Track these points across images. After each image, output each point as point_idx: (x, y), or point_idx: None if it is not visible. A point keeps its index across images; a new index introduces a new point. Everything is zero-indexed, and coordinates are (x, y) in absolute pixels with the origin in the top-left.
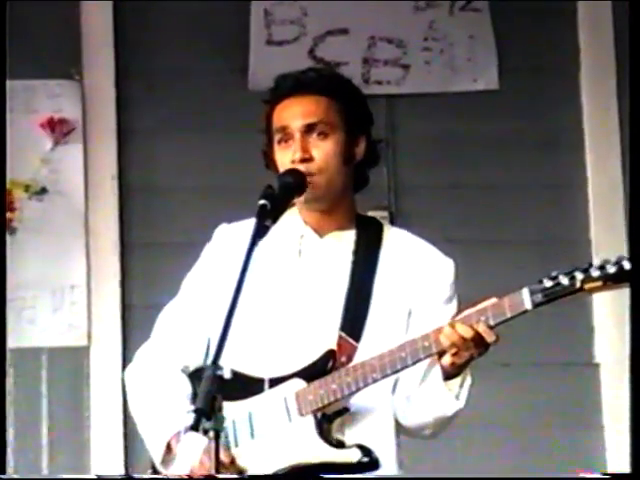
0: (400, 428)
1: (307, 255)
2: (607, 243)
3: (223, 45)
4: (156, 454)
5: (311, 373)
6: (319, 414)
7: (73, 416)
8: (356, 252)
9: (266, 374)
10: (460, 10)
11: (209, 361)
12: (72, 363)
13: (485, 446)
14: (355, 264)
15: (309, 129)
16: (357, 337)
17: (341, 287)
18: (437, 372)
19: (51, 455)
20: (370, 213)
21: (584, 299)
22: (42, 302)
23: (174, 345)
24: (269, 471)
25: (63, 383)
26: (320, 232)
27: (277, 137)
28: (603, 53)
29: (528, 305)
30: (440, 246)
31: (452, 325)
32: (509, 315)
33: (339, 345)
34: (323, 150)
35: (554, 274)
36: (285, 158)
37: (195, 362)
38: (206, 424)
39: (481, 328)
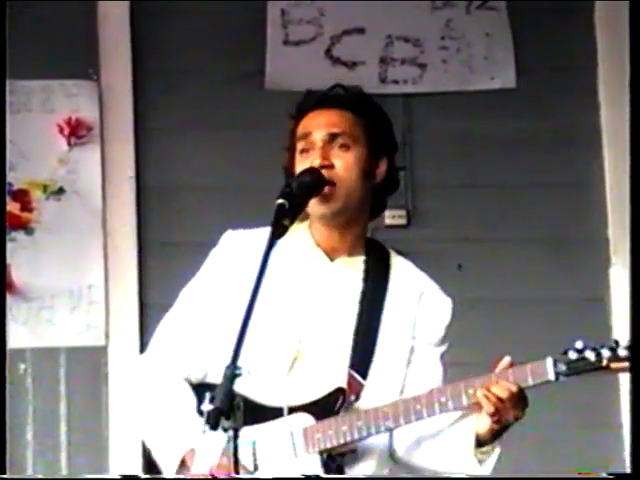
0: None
1: (317, 280)
2: (625, 242)
3: (240, 45)
4: (169, 468)
5: (319, 409)
6: (325, 453)
7: (91, 416)
8: (365, 282)
9: (273, 402)
10: (477, 9)
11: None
12: (90, 363)
13: (502, 446)
14: (364, 296)
15: (331, 139)
16: (364, 375)
17: (350, 320)
18: (470, 427)
19: (70, 455)
20: (387, 213)
21: (601, 297)
22: (60, 302)
23: (181, 355)
24: None
25: (81, 383)
26: (331, 255)
27: (299, 146)
28: (620, 51)
29: (551, 376)
30: (457, 245)
31: (487, 388)
32: (531, 383)
33: (348, 383)
34: (344, 160)
35: (580, 347)
36: (304, 167)
37: (199, 371)
38: (225, 423)
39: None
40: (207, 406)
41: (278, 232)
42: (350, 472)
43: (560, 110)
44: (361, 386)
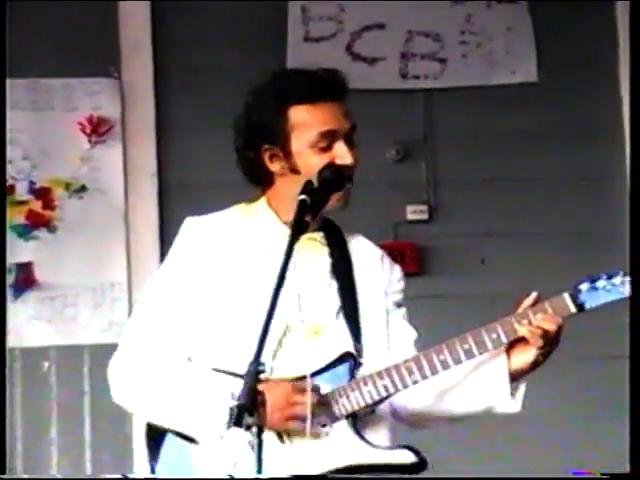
0: (404, 416)
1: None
2: None
3: (260, 42)
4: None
5: (332, 375)
6: (351, 416)
7: (115, 413)
8: (331, 253)
9: (274, 376)
10: (497, 3)
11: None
12: None
13: (514, 440)
14: (335, 266)
15: (350, 134)
16: (358, 338)
17: (330, 290)
18: (503, 363)
19: (94, 452)
20: (409, 207)
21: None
22: (83, 300)
23: (164, 343)
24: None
25: (105, 380)
26: None
27: (322, 143)
28: None
29: (573, 308)
30: (479, 239)
31: (531, 322)
32: None
33: (355, 348)
34: (355, 155)
35: (593, 277)
36: (324, 162)
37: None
38: (249, 419)
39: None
40: (231, 403)
41: (300, 228)
42: (369, 435)
43: (581, 104)
44: (360, 349)
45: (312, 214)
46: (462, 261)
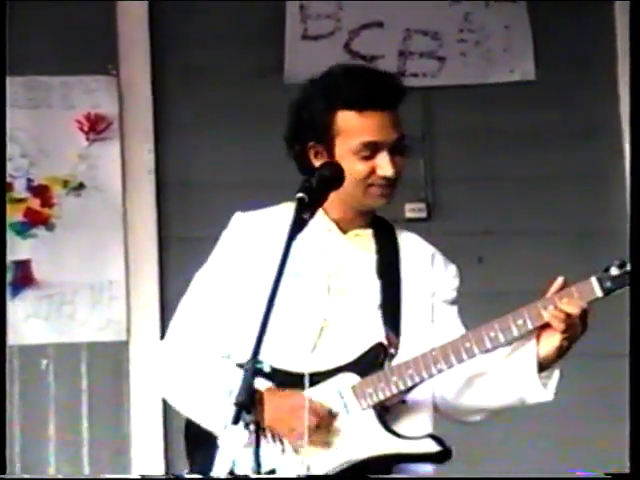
0: (444, 410)
1: (335, 252)
2: None
3: (258, 40)
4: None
5: (363, 365)
6: (378, 407)
7: (113, 411)
8: (378, 250)
9: (306, 369)
10: (496, 1)
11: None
12: (111, 358)
13: (513, 440)
14: (381, 262)
15: (395, 145)
16: (397, 332)
17: (372, 285)
18: (532, 351)
19: (91, 450)
20: (407, 206)
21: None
22: (81, 297)
23: (206, 336)
24: (338, 465)
25: (103, 378)
26: (344, 229)
27: (364, 152)
28: None
29: (599, 293)
30: (478, 238)
31: (556, 306)
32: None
33: (387, 338)
34: (401, 164)
35: (621, 262)
36: (365, 170)
37: (223, 354)
38: (246, 417)
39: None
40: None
41: (298, 226)
42: (401, 425)
43: (580, 102)
44: (398, 342)
45: (310, 212)
46: (460, 259)
